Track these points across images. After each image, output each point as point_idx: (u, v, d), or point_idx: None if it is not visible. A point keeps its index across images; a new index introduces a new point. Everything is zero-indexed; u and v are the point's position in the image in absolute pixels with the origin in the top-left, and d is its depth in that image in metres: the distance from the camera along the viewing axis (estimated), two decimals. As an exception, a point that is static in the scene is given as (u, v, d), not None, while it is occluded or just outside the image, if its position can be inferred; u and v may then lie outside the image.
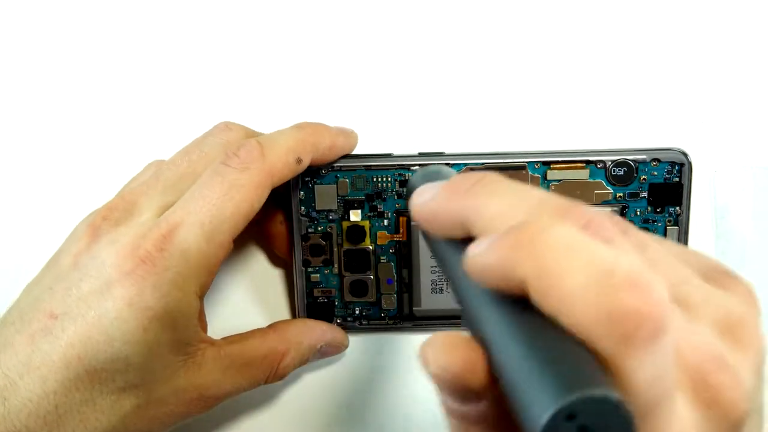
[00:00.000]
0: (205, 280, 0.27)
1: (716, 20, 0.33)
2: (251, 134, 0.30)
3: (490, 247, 0.17)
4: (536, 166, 0.32)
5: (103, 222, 0.27)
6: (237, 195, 0.27)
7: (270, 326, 0.32)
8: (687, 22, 0.33)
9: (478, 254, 0.17)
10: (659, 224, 0.32)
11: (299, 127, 0.30)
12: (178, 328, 0.26)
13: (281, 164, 0.28)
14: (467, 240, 0.19)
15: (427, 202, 0.20)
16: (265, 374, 0.30)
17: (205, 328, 0.28)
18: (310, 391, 0.35)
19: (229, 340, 0.29)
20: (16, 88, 0.33)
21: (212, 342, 0.28)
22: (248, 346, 0.30)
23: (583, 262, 0.15)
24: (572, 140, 0.33)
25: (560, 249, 0.16)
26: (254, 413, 0.35)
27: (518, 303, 0.16)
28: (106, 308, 0.25)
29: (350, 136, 0.31)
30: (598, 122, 0.33)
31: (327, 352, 0.33)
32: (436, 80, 0.33)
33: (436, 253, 0.22)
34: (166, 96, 0.33)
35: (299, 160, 0.29)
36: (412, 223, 0.32)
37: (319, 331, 0.33)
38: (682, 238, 0.32)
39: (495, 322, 0.17)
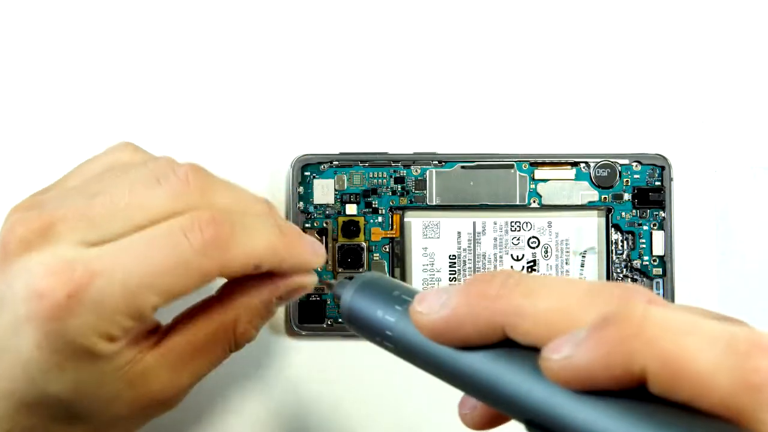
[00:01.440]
0: (124, 325, 0.24)
1: (716, 20, 0.35)
2: (210, 204, 0.25)
3: (587, 345, 0.16)
4: (524, 167, 0.34)
5: (15, 240, 0.24)
6: (181, 275, 0.24)
7: (214, 294, 0.28)
8: (686, 24, 0.35)
9: (571, 355, 0.16)
10: (645, 228, 0.33)
11: (279, 227, 0.26)
12: (99, 362, 0.24)
13: (238, 266, 0.25)
14: (500, 344, 0.18)
15: (441, 310, 0.19)
16: (222, 350, 0.27)
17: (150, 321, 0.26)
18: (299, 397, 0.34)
19: (171, 328, 0.26)
20: None
21: (150, 345, 0.25)
22: (190, 332, 0.26)
23: (706, 338, 0.15)
24: (564, 144, 0.35)
25: (678, 331, 0.16)
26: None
27: (625, 397, 0.16)
28: (19, 347, 0.23)
29: (319, 256, 0.28)
30: (591, 127, 0.35)
31: (290, 295, 0.28)
32: (431, 83, 0.35)
33: (440, 365, 0.20)
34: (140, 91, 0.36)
35: (257, 267, 0.25)
36: (405, 220, 0.34)
37: (270, 282, 0.27)
38: (668, 242, 0.33)
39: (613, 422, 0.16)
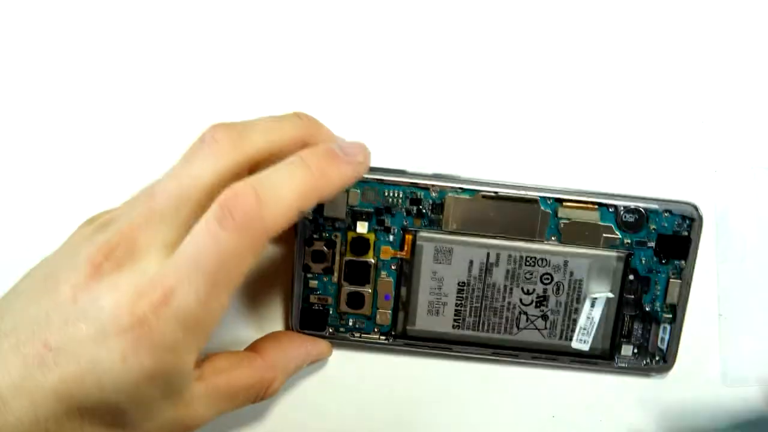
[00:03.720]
0: (202, 340, 0.26)
1: (716, 21, 0.33)
2: (244, 152, 0.27)
3: None
4: (548, 202, 0.32)
5: (105, 261, 0.26)
6: (232, 261, 0.25)
7: (257, 349, 0.32)
8: (688, 22, 0.33)
9: None
10: (662, 275, 0.32)
11: (306, 164, 0.27)
12: (170, 384, 0.26)
13: (280, 224, 0.26)
14: None
15: None
16: (251, 400, 0.31)
17: (198, 363, 0.28)
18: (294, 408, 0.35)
19: (216, 368, 0.29)
20: None
21: (200, 376, 0.28)
22: (235, 377, 0.30)
23: None
24: (588, 181, 0.33)
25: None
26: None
27: None
28: (100, 357, 0.25)
29: (361, 164, 0.29)
30: (623, 168, 0.33)
31: (311, 362, 0.34)
32: (459, 102, 0.33)
33: None
34: (154, 93, 0.33)
35: (300, 213, 0.27)
36: (417, 243, 0.32)
37: (304, 351, 0.33)
38: (684, 291, 0.32)
39: None
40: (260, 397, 0.31)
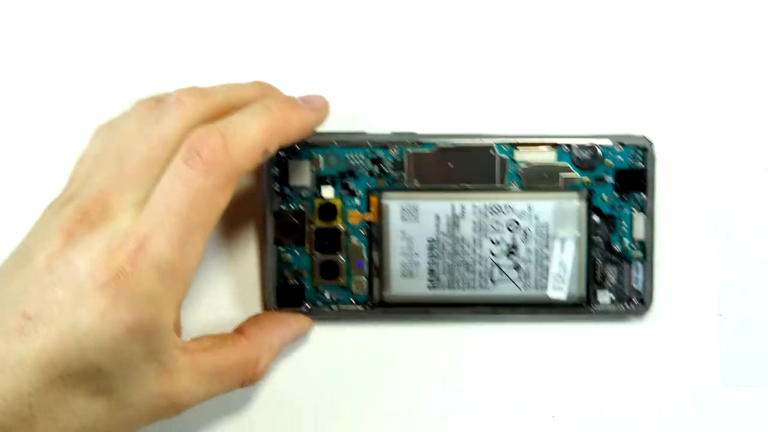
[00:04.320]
0: (181, 291, 0.27)
1: (715, 21, 0.34)
2: (209, 107, 0.28)
3: None
4: (504, 147, 0.33)
5: (77, 226, 0.26)
6: (203, 202, 0.26)
7: (241, 330, 0.32)
8: (686, 22, 0.34)
9: None
10: (626, 211, 0.33)
11: (266, 106, 0.29)
12: (151, 340, 0.26)
13: (247, 161, 0.27)
14: None
15: None
16: (239, 381, 0.30)
17: (179, 332, 0.28)
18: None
19: (202, 345, 0.29)
20: None
21: (185, 348, 0.28)
22: (221, 355, 0.29)
23: None
24: (545, 125, 0.34)
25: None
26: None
27: None
28: (80, 318, 0.25)
29: (321, 110, 0.31)
30: (573, 108, 0.34)
31: (293, 339, 0.34)
32: (409, 60, 0.34)
33: None
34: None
35: (266, 152, 0.28)
36: (383, 203, 0.33)
37: (287, 328, 0.33)
38: (649, 225, 0.33)
39: None
40: (248, 378, 0.31)
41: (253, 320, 0.33)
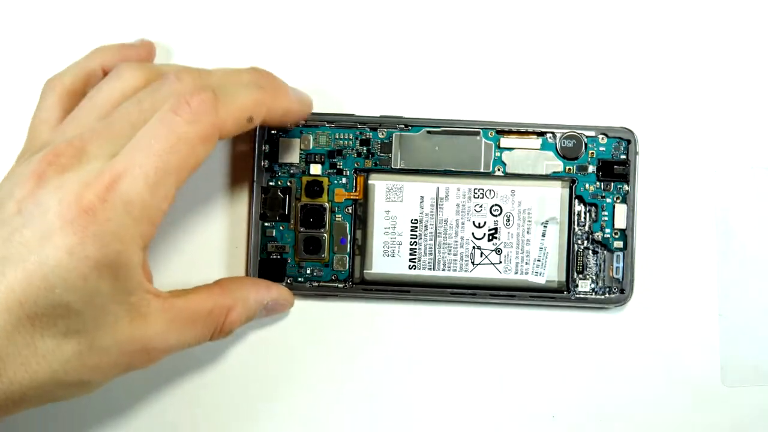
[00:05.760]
0: (148, 231, 0.27)
1: (716, 21, 0.35)
2: (205, 79, 0.30)
3: None
4: (490, 134, 0.34)
5: (49, 167, 0.26)
6: (183, 148, 0.26)
7: (215, 282, 0.32)
8: (686, 22, 0.35)
9: None
10: (608, 200, 0.33)
11: (259, 83, 0.30)
12: (119, 278, 0.26)
13: (232, 121, 0.28)
14: None
15: None
16: (210, 329, 0.30)
17: (149, 279, 0.28)
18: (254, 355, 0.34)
19: (174, 293, 0.29)
20: None
21: (157, 294, 0.28)
22: (193, 301, 0.29)
23: None
24: (531, 114, 0.35)
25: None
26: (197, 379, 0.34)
27: None
28: (47, 255, 0.25)
29: (305, 105, 0.32)
30: (559, 98, 0.35)
31: (273, 309, 0.33)
32: (401, 45, 0.35)
33: None
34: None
35: (250, 119, 0.29)
36: (369, 183, 0.33)
37: (265, 288, 0.33)
38: (630, 215, 0.33)
39: None
40: (219, 327, 0.30)
41: (232, 277, 0.33)
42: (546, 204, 0.33)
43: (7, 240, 0.25)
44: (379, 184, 0.33)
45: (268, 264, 0.34)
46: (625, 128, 0.33)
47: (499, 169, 0.33)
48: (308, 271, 0.34)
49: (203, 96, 0.27)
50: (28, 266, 0.25)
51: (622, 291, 0.34)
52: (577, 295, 0.34)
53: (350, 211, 0.34)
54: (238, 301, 0.31)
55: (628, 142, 0.33)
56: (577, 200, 0.33)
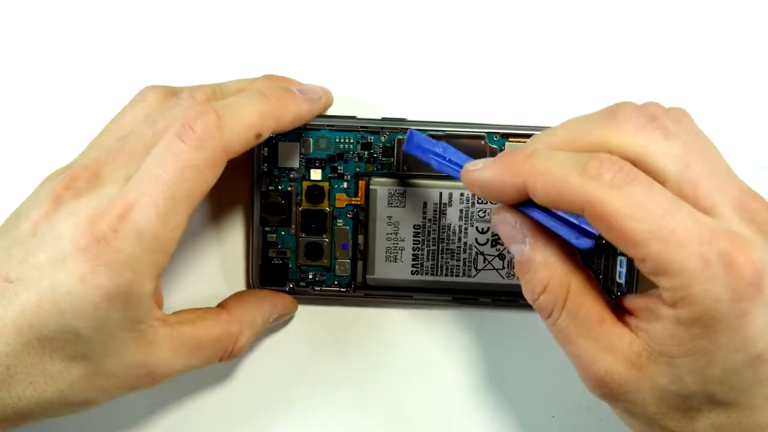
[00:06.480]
0: (161, 260, 0.27)
1: (715, 21, 0.34)
2: (218, 96, 0.30)
3: (490, 163, 0.26)
4: (495, 138, 0.33)
5: (65, 191, 0.27)
6: (191, 176, 0.26)
7: (223, 306, 0.32)
8: (686, 24, 0.34)
9: (479, 169, 0.26)
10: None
11: (264, 94, 0.29)
12: (129, 307, 0.26)
13: (239, 142, 0.27)
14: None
15: (484, 171, 0.26)
16: (218, 355, 0.30)
17: (160, 305, 0.28)
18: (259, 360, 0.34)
19: (182, 318, 0.29)
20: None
21: (165, 320, 0.28)
22: (201, 328, 0.30)
23: (563, 160, 0.25)
24: (537, 116, 0.34)
25: (547, 157, 0.25)
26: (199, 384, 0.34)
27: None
28: (59, 280, 0.25)
29: (317, 103, 0.31)
30: (567, 101, 0.34)
31: (277, 320, 0.34)
32: (403, 47, 0.34)
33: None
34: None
35: (258, 135, 0.28)
36: (371, 188, 0.33)
37: (270, 305, 0.33)
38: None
39: None
40: (228, 352, 0.31)
41: (237, 296, 0.33)
42: (550, 209, 0.33)
43: (23, 261, 0.26)
44: (381, 190, 0.33)
45: (269, 269, 0.34)
46: (633, 132, 0.33)
47: (503, 174, 0.33)
48: (310, 276, 0.34)
49: (206, 119, 0.27)
50: (40, 290, 0.25)
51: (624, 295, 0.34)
52: (580, 300, 0.34)
53: (351, 215, 0.33)
54: (245, 326, 0.31)
55: (635, 146, 0.33)
56: (581, 205, 0.33)
